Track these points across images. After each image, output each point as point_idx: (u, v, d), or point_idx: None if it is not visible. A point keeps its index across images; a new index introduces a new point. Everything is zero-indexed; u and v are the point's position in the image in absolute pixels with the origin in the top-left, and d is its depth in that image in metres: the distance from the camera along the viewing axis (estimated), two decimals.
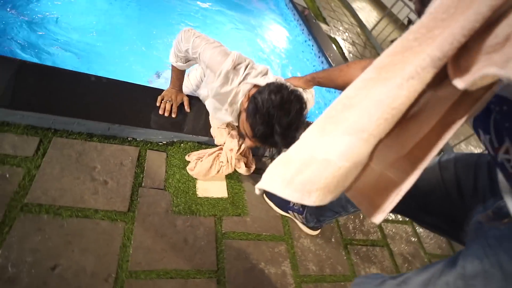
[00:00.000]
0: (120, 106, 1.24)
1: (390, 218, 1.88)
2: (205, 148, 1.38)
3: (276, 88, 0.93)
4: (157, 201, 1.14)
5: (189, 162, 1.28)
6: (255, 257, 1.20)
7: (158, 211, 1.11)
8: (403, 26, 6.04)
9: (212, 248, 1.14)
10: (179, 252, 1.06)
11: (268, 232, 1.31)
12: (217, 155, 1.26)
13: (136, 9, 2.37)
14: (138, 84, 1.38)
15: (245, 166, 1.32)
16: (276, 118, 0.91)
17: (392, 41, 5.44)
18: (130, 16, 2.28)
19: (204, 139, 1.39)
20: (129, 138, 1.24)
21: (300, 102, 0.94)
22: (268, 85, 0.97)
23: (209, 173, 1.23)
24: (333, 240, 1.49)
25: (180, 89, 1.36)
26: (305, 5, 3.68)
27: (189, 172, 1.24)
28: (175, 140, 1.35)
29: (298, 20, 3.19)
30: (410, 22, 4.90)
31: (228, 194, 1.30)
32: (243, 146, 1.28)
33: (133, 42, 2.11)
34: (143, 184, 1.16)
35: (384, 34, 5.10)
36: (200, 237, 1.14)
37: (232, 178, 1.37)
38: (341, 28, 4.12)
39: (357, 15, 5.10)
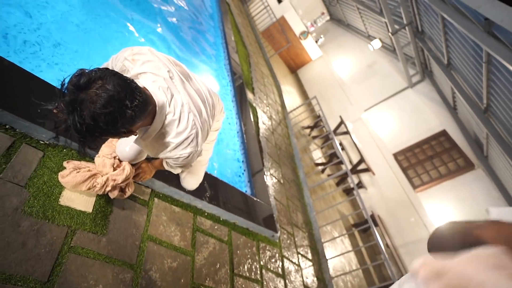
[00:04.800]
0: (13, 92, 1.23)
1: (244, 275, 2.09)
2: (88, 161, 1.41)
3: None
4: (9, 196, 1.10)
5: (65, 168, 1.29)
6: (95, 278, 1.21)
7: (6, 206, 1.07)
8: (315, 117, 7.30)
9: (51, 258, 1.12)
10: (10, 254, 1.02)
11: (120, 257, 1.35)
12: (95, 174, 1.31)
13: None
14: (46, 81, 1.39)
15: (120, 191, 1.39)
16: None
17: (303, 127, 6.47)
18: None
19: (92, 153, 1.43)
20: (7, 126, 1.21)
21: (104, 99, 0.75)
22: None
23: (79, 187, 1.26)
24: (182, 280, 1.60)
25: None
26: (241, 71, 4.23)
27: (60, 178, 1.25)
28: (59, 144, 1.35)
29: (230, 81, 3.63)
30: (319, 116, 6.01)
31: (93, 209, 1.33)
32: (121, 178, 1.34)
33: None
34: (0, 175, 1.11)
35: (298, 118, 6.07)
36: (43, 244, 1.12)
37: (104, 196, 1.41)
38: (265, 101, 4.78)
39: (282, 96, 6.01)
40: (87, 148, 0.85)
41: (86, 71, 0.78)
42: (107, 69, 0.81)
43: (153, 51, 1.09)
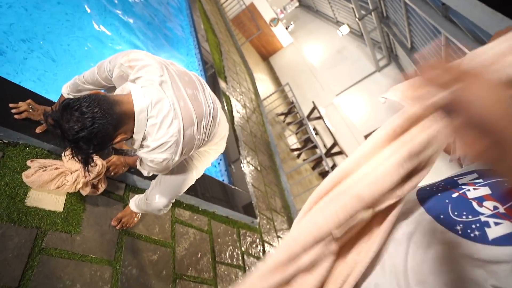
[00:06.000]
0: None
1: (226, 262, 2.13)
2: (55, 159, 1.34)
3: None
4: None
5: (29, 168, 1.22)
6: (71, 278, 1.18)
7: None
8: (288, 103, 7.40)
9: (21, 262, 1.07)
10: None
11: (97, 254, 1.31)
12: (64, 171, 1.25)
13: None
14: (0, 76, 1.29)
15: (92, 187, 1.34)
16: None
17: (277, 114, 6.53)
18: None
19: (57, 149, 1.36)
20: None
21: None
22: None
23: (47, 186, 1.20)
24: (164, 272, 1.59)
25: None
26: (212, 60, 4.15)
27: (24, 179, 1.18)
28: (20, 142, 1.27)
29: (201, 71, 3.55)
30: (293, 102, 6.09)
31: (64, 208, 1.27)
32: (93, 174, 1.30)
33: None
34: None
35: (272, 105, 6.11)
36: (10, 249, 1.06)
37: (75, 194, 1.35)
38: (238, 90, 4.75)
39: (255, 84, 6.00)
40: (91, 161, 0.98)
41: (53, 111, 0.88)
42: (64, 101, 0.88)
43: (149, 55, 1.09)
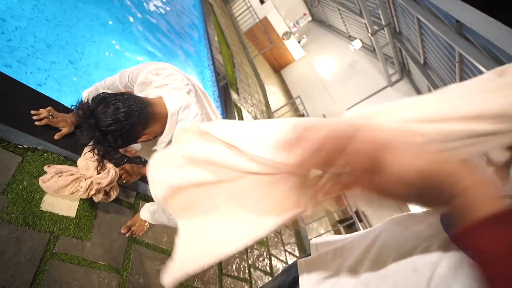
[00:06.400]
0: None
1: (232, 274, 2.10)
2: (71, 165, 1.37)
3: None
4: None
5: (46, 173, 1.26)
6: (80, 284, 1.19)
7: None
8: (299, 116, 7.39)
9: (33, 266, 1.09)
10: None
11: (105, 261, 1.32)
12: (78, 178, 1.28)
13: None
14: (23, 83, 1.34)
15: (105, 194, 1.36)
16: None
17: None
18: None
19: (73, 156, 1.39)
20: None
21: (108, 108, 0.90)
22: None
23: (62, 191, 1.23)
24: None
25: (70, 118, 1.37)
26: (225, 72, 4.22)
27: (40, 183, 1.21)
28: (39, 148, 1.31)
29: (213, 82, 3.62)
30: (303, 115, 6.10)
31: (76, 214, 1.30)
32: (106, 181, 1.32)
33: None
34: None
35: (283, 118, 6.12)
36: (23, 252, 1.08)
37: (87, 200, 1.38)
38: (249, 101, 4.80)
39: (267, 96, 6.05)
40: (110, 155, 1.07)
41: (88, 102, 0.93)
42: (101, 95, 0.93)
43: (174, 67, 1.19)
